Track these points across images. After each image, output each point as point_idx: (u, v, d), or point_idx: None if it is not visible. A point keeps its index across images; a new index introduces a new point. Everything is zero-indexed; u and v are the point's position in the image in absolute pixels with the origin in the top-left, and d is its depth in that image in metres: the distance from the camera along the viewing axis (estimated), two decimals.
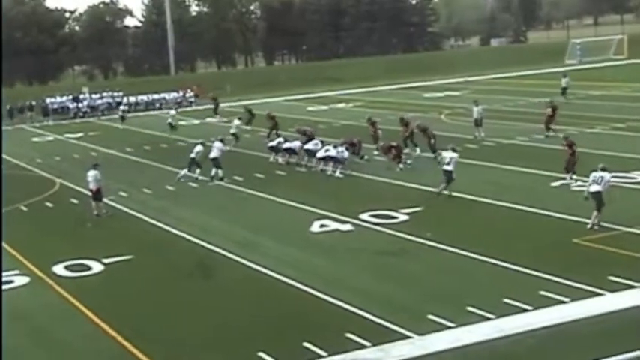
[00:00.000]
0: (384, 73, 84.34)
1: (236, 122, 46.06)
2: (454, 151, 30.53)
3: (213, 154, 35.47)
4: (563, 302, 18.18)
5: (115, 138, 52.83)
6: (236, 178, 35.38)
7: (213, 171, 35.17)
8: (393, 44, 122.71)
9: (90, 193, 30.71)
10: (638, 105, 50.60)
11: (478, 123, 41.73)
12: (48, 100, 71.83)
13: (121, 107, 63.57)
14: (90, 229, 28.83)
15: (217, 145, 35.83)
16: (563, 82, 56.51)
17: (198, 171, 35.46)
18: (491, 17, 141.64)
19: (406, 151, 37.88)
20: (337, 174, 34.81)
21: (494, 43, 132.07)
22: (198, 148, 35.73)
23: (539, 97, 56.42)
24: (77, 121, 66.87)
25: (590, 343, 16.02)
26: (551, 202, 27.31)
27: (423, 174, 33.48)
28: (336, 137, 43.65)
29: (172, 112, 56.10)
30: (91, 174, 30.51)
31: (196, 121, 59.62)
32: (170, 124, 52.76)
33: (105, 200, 31.00)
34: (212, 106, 62.26)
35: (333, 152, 35.28)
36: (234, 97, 72.63)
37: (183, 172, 35.43)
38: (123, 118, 60.36)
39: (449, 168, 29.55)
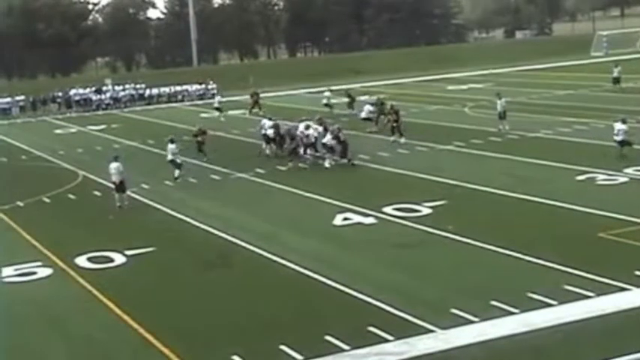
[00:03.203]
0: (406, 65, 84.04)
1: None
2: (624, 122, 33.19)
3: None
4: (588, 297, 18.05)
5: (137, 130, 52.95)
6: (258, 170, 35.39)
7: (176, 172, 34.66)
8: (416, 36, 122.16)
9: (113, 185, 30.81)
10: None
11: (502, 116, 41.52)
12: (71, 92, 72.04)
13: (217, 98, 59.96)
14: (112, 221, 28.91)
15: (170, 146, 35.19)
16: (615, 72, 56.55)
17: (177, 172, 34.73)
18: (516, 9, 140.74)
19: (391, 138, 39.72)
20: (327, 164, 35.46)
21: (518, 35, 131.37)
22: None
23: (564, 90, 56.17)
24: (100, 113, 67.07)
25: (618, 338, 15.90)
26: (575, 196, 27.16)
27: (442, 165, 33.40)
28: (359, 130, 43.73)
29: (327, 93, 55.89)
30: (114, 166, 30.59)
31: (217, 113, 59.59)
32: (217, 108, 56.15)
33: (128, 193, 31.08)
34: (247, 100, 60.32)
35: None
36: (257, 88, 72.66)
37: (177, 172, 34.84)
38: (220, 110, 57.08)
39: (618, 138, 32.78)
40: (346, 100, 53.24)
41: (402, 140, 39.83)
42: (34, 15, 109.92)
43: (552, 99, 53.82)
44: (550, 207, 26.41)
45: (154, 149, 43.45)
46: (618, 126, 33.05)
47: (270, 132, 38.60)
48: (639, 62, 74.13)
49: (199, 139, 38.80)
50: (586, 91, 55.96)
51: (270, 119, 39.94)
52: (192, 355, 16.60)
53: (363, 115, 45.81)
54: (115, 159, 30.98)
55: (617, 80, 55.90)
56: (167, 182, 34.37)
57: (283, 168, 35.70)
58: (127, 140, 48.22)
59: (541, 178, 30.95)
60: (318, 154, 36.64)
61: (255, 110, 55.97)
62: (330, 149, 35.73)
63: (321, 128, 37.62)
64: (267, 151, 39.12)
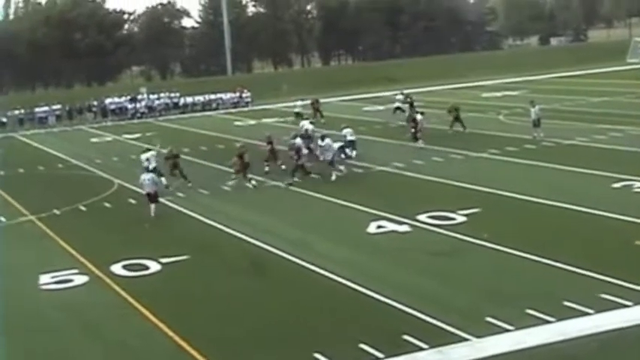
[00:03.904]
0: (441, 73, 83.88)
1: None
2: None
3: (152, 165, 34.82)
4: (626, 306, 17.90)
5: (172, 138, 53.14)
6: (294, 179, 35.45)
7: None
8: (450, 44, 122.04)
9: (146, 196, 30.82)
10: None
11: (536, 123, 41.31)
12: (106, 101, 72.44)
13: (298, 103, 57.89)
14: (147, 229, 29.08)
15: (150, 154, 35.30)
16: None
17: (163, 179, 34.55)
18: (551, 16, 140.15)
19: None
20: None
21: (553, 42, 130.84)
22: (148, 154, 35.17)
23: (600, 97, 55.79)
24: (135, 121, 67.46)
25: None
26: (612, 204, 26.95)
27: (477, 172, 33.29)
28: (393, 138, 43.70)
29: (299, 102, 56.89)
30: (148, 177, 30.63)
31: (252, 122, 59.82)
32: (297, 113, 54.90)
33: (162, 200, 31.26)
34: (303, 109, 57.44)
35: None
36: (292, 96, 72.97)
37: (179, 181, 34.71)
38: (300, 115, 53.87)
39: None
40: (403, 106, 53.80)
41: (420, 144, 40.69)
42: (70, 25, 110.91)
43: (587, 106, 53.48)
44: (586, 214, 26.24)
45: (188, 157, 43.65)
46: None
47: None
48: None
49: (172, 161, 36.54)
50: (621, 98, 55.51)
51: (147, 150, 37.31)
52: (226, 359, 16.70)
53: (395, 105, 50.79)
54: (147, 170, 31.06)
55: None
56: (202, 190, 34.52)
57: (315, 176, 35.69)
58: (161, 149, 48.35)
59: (577, 185, 30.82)
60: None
61: (316, 118, 54.56)
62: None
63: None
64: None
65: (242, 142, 40.71)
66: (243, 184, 34.14)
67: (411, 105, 51.12)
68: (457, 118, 45.37)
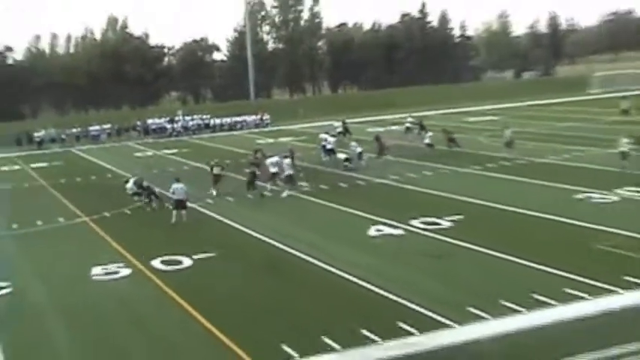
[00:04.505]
0: (432, 100, 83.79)
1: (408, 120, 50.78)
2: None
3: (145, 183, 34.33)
4: (586, 299, 17.96)
5: (203, 154, 53.21)
6: (304, 188, 35.45)
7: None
8: (439, 75, 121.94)
9: (174, 203, 30.52)
10: None
11: (509, 144, 41.25)
12: (148, 122, 72.75)
13: (409, 119, 56.55)
14: (181, 229, 29.07)
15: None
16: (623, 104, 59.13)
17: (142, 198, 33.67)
18: (524, 54, 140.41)
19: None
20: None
21: (526, 75, 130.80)
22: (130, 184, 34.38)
23: (565, 122, 55.67)
24: (172, 139, 67.51)
25: (606, 333, 15.77)
26: (574, 212, 26.92)
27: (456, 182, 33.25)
28: (390, 154, 43.65)
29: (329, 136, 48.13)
30: (179, 186, 30.34)
31: (271, 140, 59.86)
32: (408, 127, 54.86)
33: (194, 206, 31.25)
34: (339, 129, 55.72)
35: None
36: (306, 119, 73.16)
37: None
38: (410, 130, 53.77)
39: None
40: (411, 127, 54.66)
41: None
42: (120, 58, 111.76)
43: (554, 129, 53.32)
44: (552, 221, 26.18)
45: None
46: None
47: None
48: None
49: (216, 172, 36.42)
50: (583, 124, 55.45)
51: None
52: (248, 342, 16.64)
53: (406, 125, 51.72)
54: (177, 180, 30.97)
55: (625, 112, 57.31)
56: (228, 198, 34.55)
57: (325, 187, 35.72)
58: (194, 162, 48.55)
59: (545, 196, 30.69)
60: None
61: (347, 136, 54.04)
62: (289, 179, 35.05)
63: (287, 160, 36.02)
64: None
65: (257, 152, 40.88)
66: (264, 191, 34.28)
67: (422, 126, 51.98)
68: (452, 140, 45.59)
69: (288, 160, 35.75)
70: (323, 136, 46.12)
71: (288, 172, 34.98)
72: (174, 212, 30.07)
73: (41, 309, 20.37)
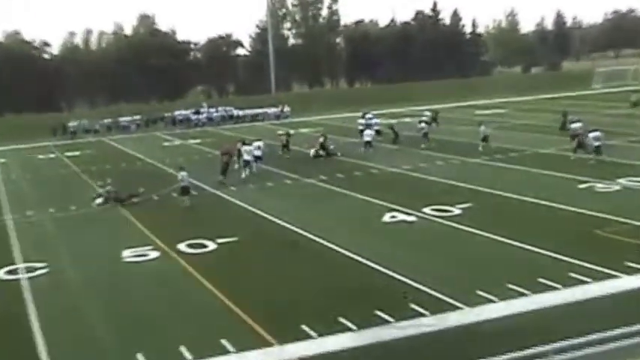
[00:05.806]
0: (443, 94, 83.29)
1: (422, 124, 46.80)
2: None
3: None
4: (588, 282, 17.87)
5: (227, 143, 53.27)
6: (321, 177, 35.45)
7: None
8: (450, 70, 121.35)
9: (180, 189, 31.26)
10: None
11: (485, 139, 40.90)
12: (175, 113, 72.88)
13: (426, 113, 55.89)
14: (205, 214, 29.16)
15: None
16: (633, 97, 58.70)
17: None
18: (531, 50, 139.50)
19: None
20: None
21: (533, 70, 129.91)
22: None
23: (570, 115, 55.21)
24: (197, 129, 67.51)
25: (610, 315, 15.69)
26: (578, 200, 26.78)
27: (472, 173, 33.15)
28: (402, 144, 43.47)
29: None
30: (184, 174, 31.24)
31: (291, 131, 59.67)
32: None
33: (219, 193, 31.26)
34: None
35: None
36: (323, 111, 73.03)
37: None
38: (426, 122, 50.17)
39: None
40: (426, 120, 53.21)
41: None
42: (148, 52, 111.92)
43: (560, 122, 52.84)
44: (558, 209, 26.04)
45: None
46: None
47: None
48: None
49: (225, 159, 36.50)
50: (587, 116, 54.95)
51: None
52: (269, 322, 16.70)
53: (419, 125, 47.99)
54: (182, 169, 31.51)
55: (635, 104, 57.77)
56: (250, 185, 34.59)
57: (341, 175, 35.68)
58: (218, 151, 48.49)
59: (550, 185, 30.52)
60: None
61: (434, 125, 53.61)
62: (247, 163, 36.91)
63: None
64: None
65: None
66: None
67: (435, 119, 51.53)
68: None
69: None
70: (367, 131, 45.00)
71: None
72: (185, 198, 30.74)
73: (75, 287, 20.54)
